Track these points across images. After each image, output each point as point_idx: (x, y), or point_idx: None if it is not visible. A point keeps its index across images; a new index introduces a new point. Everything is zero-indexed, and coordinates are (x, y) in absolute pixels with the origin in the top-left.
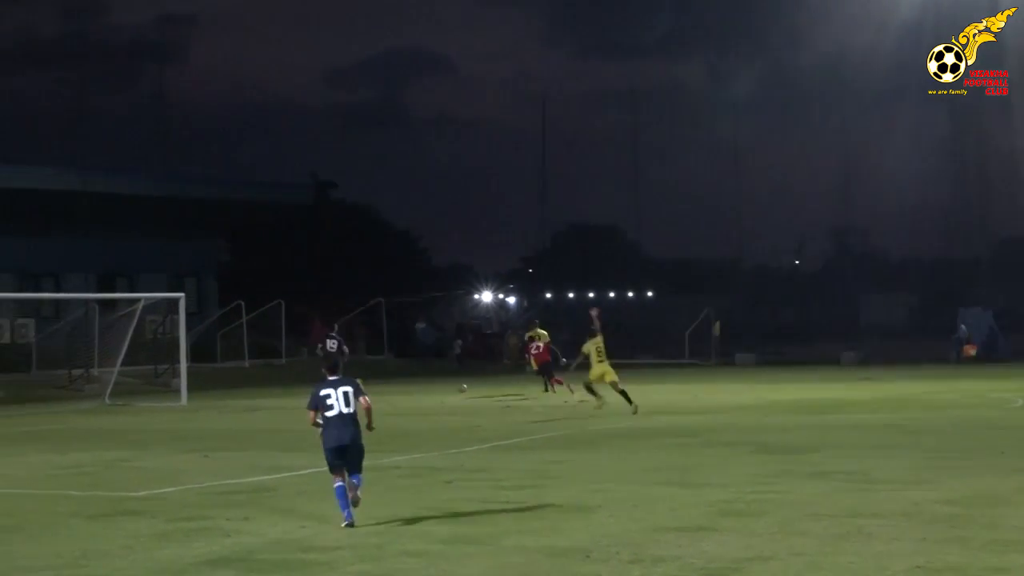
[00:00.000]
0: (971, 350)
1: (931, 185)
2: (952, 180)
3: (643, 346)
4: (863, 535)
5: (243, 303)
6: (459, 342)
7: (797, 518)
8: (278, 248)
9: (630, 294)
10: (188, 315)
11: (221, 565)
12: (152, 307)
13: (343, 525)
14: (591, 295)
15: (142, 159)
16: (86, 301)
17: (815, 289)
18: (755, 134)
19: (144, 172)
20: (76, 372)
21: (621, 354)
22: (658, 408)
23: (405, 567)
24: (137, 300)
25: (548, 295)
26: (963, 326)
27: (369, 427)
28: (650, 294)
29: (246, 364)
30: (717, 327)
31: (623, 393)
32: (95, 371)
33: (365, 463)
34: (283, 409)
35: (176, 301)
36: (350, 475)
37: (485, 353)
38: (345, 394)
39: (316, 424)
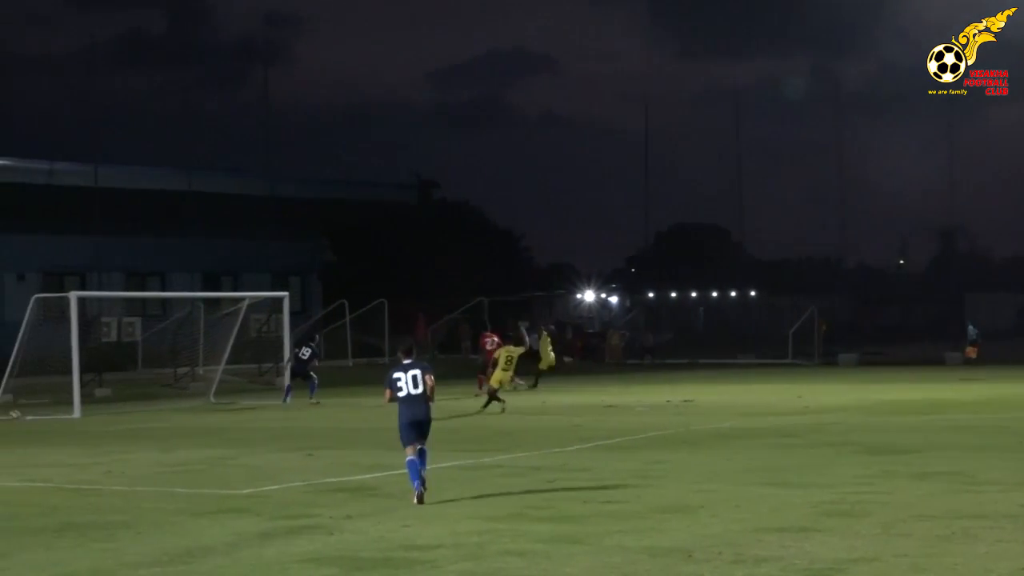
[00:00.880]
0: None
1: None
2: None
3: (746, 346)
4: (967, 537)
5: (346, 302)
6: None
7: (901, 519)
8: (381, 248)
9: (733, 294)
10: (292, 314)
11: (324, 563)
12: (256, 306)
13: (414, 500)
14: (693, 295)
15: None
16: (191, 300)
17: (919, 289)
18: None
19: (249, 172)
20: (181, 370)
21: (724, 354)
22: (761, 408)
23: (506, 566)
24: (242, 299)
25: (651, 295)
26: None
27: (430, 399)
28: (753, 294)
29: (349, 363)
30: (823, 327)
31: (499, 399)
32: (200, 369)
33: (467, 462)
34: (385, 408)
35: (280, 300)
36: (421, 451)
37: (587, 352)
38: (414, 377)
39: (391, 401)
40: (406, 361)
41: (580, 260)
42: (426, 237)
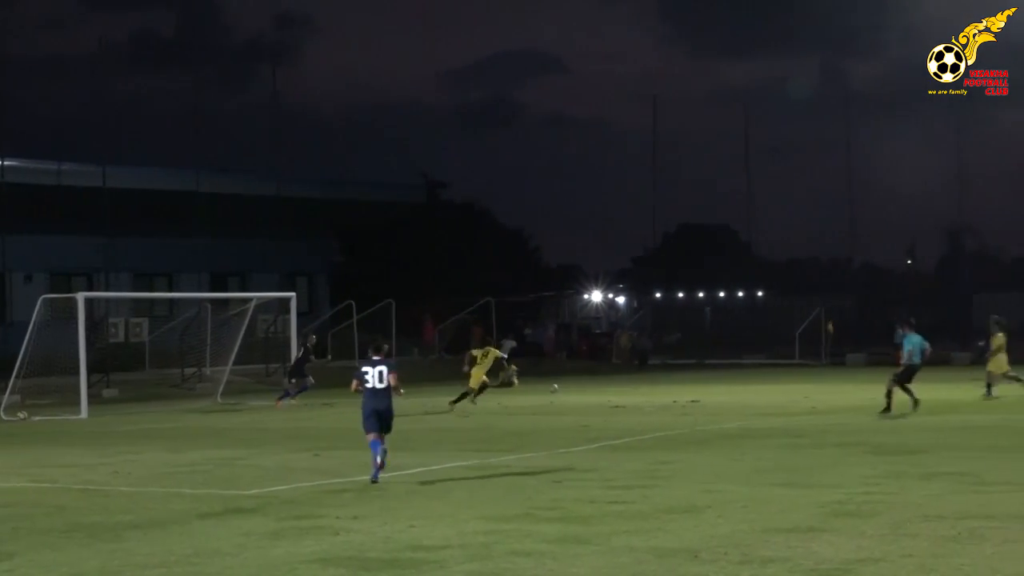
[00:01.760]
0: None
1: None
2: None
3: (754, 346)
4: (975, 537)
5: (354, 303)
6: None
7: (908, 519)
8: (389, 248)
9: (740, 294)
10: (299, 315)
11: (332, 563)
12: (264, 306)
13: (370, 479)
14: (701, 295)
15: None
16: (199, 300)
17: (927, 289)
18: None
19: (257, 173)
20: (189, 371)
21: (731, 354)
22: (768, 409)
23: (514, 566)
24: (249, 299)
25: (658, 295)
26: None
27: (397, 392)
28: (760, 294)
29: (356, 364)
30: (831, 327)
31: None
32: (207, 370)
33: (474, 462)
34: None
35: (288, 300)
36: (382, 437)
37: (594, 353)
38: (380, 372)
39: (356, 392)
40: (375, 358)
41: (588, 260)
42: (434, 237)
